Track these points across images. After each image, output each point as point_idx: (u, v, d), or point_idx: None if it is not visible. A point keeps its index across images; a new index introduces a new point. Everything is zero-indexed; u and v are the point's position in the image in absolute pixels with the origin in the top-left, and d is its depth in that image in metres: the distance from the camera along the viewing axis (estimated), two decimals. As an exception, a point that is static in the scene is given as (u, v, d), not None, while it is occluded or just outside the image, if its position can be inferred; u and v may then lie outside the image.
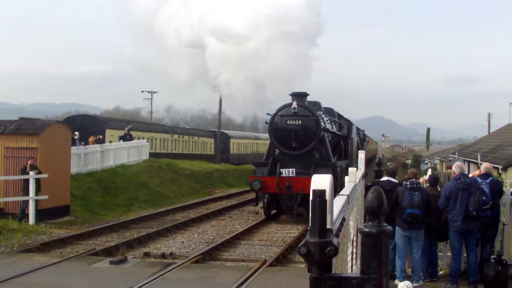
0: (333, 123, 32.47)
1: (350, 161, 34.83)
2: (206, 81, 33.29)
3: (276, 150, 27.98)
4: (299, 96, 27.35)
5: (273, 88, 27.83)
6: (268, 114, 28.22)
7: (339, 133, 34.03)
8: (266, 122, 27.86)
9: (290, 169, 25.99)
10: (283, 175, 25.87)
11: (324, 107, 32.52)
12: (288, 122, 26.82)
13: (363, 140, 56.14)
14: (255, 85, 28.56)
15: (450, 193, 13.45)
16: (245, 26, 27.64)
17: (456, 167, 14.31)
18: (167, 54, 31.99)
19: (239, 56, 28.34)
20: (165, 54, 31.88)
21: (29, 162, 24.15)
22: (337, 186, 22.22)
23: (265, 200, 27.11)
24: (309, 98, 29.27)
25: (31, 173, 23.75)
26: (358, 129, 48.93)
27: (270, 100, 29.23)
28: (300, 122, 26.73)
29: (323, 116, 29.17)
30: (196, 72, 31.81)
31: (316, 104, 30.66)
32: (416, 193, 13.43)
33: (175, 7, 30.67)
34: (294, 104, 26.32)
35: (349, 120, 37.58)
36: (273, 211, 28.48)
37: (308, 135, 26.77)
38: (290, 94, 27.39)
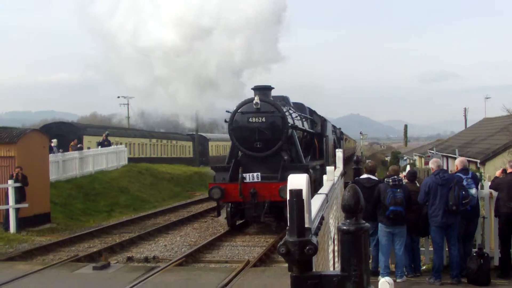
0: (304, 119, 29.48)
1: (326, 160, 31.62)
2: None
3: (239, 152, 24.81)
4: (263, 90, 24.49)
5: (225, 89, 25.14)
6: (228, 111, 24.73)
7: (312, 131, 31.02)
8: (225, 121, 24.51)
9: (255, 174, 23.00)
10: (247, 180, 22.80)
11: (293, 102, 30.16)
12: (250, 119, 23.73)
13: (340, 139, 52.87)
14: (208, 87, 25.68)
15: (430, 188, 13.54)
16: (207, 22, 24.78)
17: (433, 163, 14.42)
18: (126, 59, 28.58)
19: (186, 63, 25.50)
20: (124, 60, 28.61)
21: (16, 171, 24.08)
22: (312, 189, 20.71)
23: (228, 209, 24.15)
24: (277, 93, 26.97)
25: (10, 181, 23.68)
26: (334, 127, 46.17)
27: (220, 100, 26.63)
28: (264, 119, 23.63)
29: (291, 112, 26.08)
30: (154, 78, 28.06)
31: (284, 99, 28.11)
32: (398, 190, 13.50)
33: (124, 13, 27.23)
34: (256, 99, 23.37)
35: (322, 117, 33.84)
36: (239, 221, 25.44)
37: (274, 134, 23.72)
38: (252, 88, 24.74)
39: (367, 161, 19.25)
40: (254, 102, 23.37)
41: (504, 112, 35.90)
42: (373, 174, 15.10)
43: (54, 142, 37.45)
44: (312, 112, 33.06)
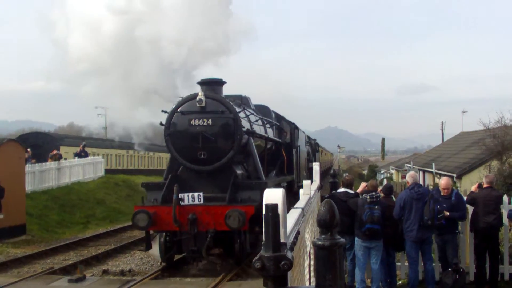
0: (268, 125, 23.78)
1: (297, 176, 26.38)
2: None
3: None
4: (211, 85, 19.09)
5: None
6: (164, 111, 18.78)
7: (278, 140, 25.05)
8: (161, 124, 18.67)
9: (196, 194, 17.31)
10: (185, 202, 17.23)
11: (256, 105, 24.79)
12: (192, 122, 18.16)
13: (316, 151, 48.04)
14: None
15: (405, 203, 13.59)
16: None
17: (409, 177, 14.48)
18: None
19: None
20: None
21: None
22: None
23: (162, 239, 18.09)
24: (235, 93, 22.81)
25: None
26: (309, 137, 42.24)
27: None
28: (210, 121, 18.12)
29: (248, 113, 20.70)
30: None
31: (242, 99, 22.80)
32: (376, 207, 13.51)
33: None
34: (200, 95, 18.07)
35: (293, 124, 27.41)
36: (178, 256, 19.65)
37: (223, 141, 18.27)
38: (198, 83, 19.26)
39: (344, 174, 19.11)
40: (197, 99, 18.05)
41: (480, 126, 36.09)
42: (350, 188, 15.12)
43: (29, 151, 37.25)
44: (280, 118, 27.25)
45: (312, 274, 6.86)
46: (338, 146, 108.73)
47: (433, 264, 14.37)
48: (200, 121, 18.09)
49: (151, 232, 17.92)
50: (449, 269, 13.70)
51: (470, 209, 14.58)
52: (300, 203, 8.23)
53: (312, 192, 11.85)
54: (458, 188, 25.11)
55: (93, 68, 19.39)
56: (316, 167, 19.41)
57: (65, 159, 43.11)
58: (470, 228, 14.46)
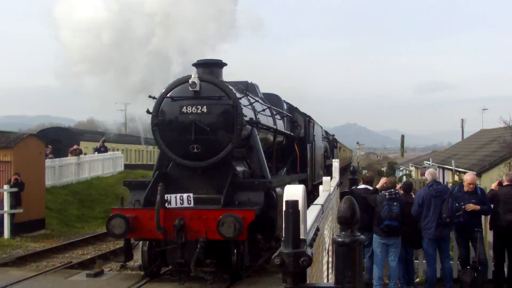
0: (278, 116, 20.87)
1: (312, 174, 24.12)
2: None
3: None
4: (208, 67, 16.28)
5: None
6: (152, 97, 16.01)
7: (289, 133, 22.16)
8: (148, 112, 15.85)
9: (185, 195, 14.60)
10: (172, 205, 14.50)
11: (265, 93, 21.81)
12: (184, 109, 15.32)
13: (334, 147, 45.61)
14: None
15: (423, 200, 13.55)
16: None
17: (428, 174, 14.44)
18: None
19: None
20: None
21: (14, 177, 24.07)
22: (275, 220, 15.28)
23: (145, 248, 15.32)
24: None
25: (5, 186, 23.65)
26: (326, 132, 40.36)
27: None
28: (205, 108, 15.24)
29: (253, 101, 17.63)
30: None
31: (249, 86, 19.87)
32: (395, 203, 13.47)
33: None
34: (194, 77, 15.21)
35: (308, 116, 24.53)
36: (165, 269, 16.23)
37: (221, 132, 15.47)
38: (193, 64, 16.45)
39: (363, 171, 19.02)
40: (190, 82, 15.15)
41: (501, 124, 35.91)
42: (371, 185, 15.09)
43: (49, 148, 37.43)
44: (293, 109, 24.02)
45: (330, 271, 6.85)
46: (357, 142, 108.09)
47: (451, 262, 14.35)
48: (193, 108, 15.16)
49: (132, 240, 15.65)
50: (468, 267, 13.64)
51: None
52: (320, 200, 8.21)
53: (332, 188, 11.83)
54: (478, 185, 24.92)
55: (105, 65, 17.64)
56: (335, 163, 19.35)
57: (85, 154, 43.29)
58: (490, 225, 14.38)
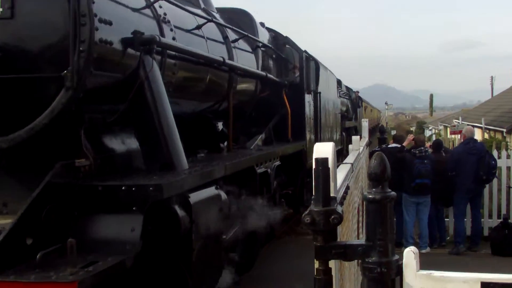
0: (242, 45, 12.72)
1: (316, 141, 15.26)
2: None
3: None
4: None
5: None
6: None
7: (268, 75, 13.88)
8: None
9: None
10: None
11: (226, 8, 13.90)
12: None
13: (358, 106, 38.15)
14: None
15: (460, 157, 13.56)
16: None
17: (466, 131, 14.42)
18: None
19: None
20: None
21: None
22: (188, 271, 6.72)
23: None
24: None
25: None
26: (348, 88, 33.67)
27: None
28: (7, 3, 6.26)
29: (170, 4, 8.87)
30: None
31: None
32: (425, 161, 13.48)
33: None
34: None
35: (304, 51, 15.98)
36: None
37: (44, 65, 6.52)
38: None
39: (392, 131, 18.82)
40: None
41: (532, 79, 35.47)
42: (401, 144, 15.07)
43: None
44: (280, 40, 16.01)
45: (361, 231, 6.86)
46: (385, 103, 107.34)
47: (482, 220, 14.39)
48: None
49: None
50: (499, 224, 13.68)
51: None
52: (349, 159, 8.17)
53: (361, 148, 11.79)
54: (508, 143, 24.71)
55: None
56: (364, 123, 19.20)
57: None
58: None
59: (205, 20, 10.34)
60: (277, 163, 12.49)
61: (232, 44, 11.65)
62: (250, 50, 13.35)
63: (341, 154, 18.87)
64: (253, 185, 10.26)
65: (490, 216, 15.02)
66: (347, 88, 33.45)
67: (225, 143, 10.99)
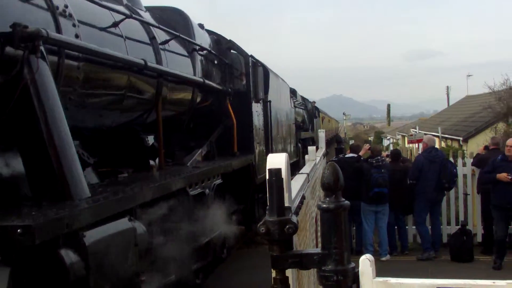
0: (174, 46, 10.79)
1: (267, 151, 15.00)
2: None
3: None
4: None
5: None
6: None
7: (204, 81, 11.74)
8: None
9: None
10: None
11: (158, 6, 12.32)
12: None
13: (314, 116, 36.10)
14: None
15: (422, 165, 13.71)
16: None
17: (428, 140, 14.62)
18: None
19: None
20: None
21: None
22: None
23: None
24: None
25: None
26: (304, 99, 32.69)
27: None
28: None
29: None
30: None
31: None
32: (383, 170, 13.61)
33: None
34: None
35: (251, 56, 14.52)
36: None
37: None
38: None
39: (350, 141, 18.86)
40: None
41: (486, 90, 35.98)
42: (357, 153, 15.19)
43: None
44: (223, 44, 14.56)
45: (319, 240, 6.89)
46: (343, 113, 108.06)
47: (441, 226, 14.59)
48: None
49: None
50: (457, 230, 13.88)
51: (476, 171, 14.65)
52: (305, 169, 8.21)
53: (318, 158, 11.84)
54: (465, 151, 25.03)
55: None
56: (321, 133, 19.32)
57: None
58: (478, 189, 14.53)
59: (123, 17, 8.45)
60: (218, 181, 10.85)
61: (161, 46, 9.95)
62: (186, 54, 11.54)
63: (297, 166, 18.11)
64: (187, 209, 8.64)
65: (449, 223, 15.20)
66: (303, 98, 32.36)
67: (157, 160, 9.39)
